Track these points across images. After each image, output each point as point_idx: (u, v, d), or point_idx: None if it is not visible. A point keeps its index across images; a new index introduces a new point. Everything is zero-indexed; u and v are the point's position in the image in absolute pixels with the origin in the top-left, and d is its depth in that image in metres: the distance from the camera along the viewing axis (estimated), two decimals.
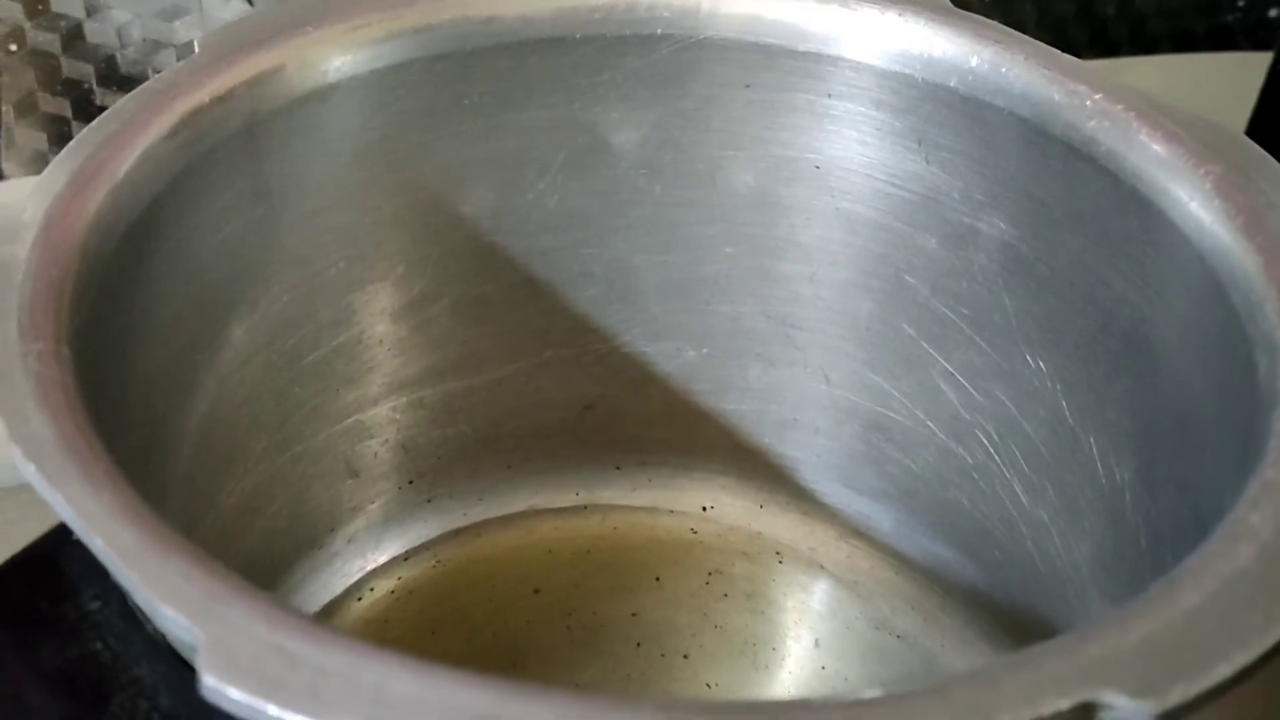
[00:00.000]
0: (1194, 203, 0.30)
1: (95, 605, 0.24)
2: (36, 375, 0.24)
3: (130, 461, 0.27)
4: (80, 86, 0.40)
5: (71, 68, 0.39)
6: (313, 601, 0.38)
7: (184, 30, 0.41)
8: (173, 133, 0.30)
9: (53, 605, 0.24)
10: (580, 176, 0.37)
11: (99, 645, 0.24)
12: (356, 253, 0.36)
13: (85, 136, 0.29)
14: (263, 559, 0.37)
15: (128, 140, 0.29)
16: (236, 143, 0.32)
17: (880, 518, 0.40)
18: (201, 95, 0.31)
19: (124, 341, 0.28)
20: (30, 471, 0.23)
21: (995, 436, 0.37)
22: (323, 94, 0.33)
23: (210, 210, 0.32)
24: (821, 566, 0.41)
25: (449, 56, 0.34)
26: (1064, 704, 0.20)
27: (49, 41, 0.40)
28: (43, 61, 0.39)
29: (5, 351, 0.25)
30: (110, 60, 0.39)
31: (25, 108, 0.41)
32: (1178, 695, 0.20)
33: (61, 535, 0.25)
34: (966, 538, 0.39)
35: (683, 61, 0.35)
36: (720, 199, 0.37)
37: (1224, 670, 0.20)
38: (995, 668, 0.21)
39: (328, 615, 0.38)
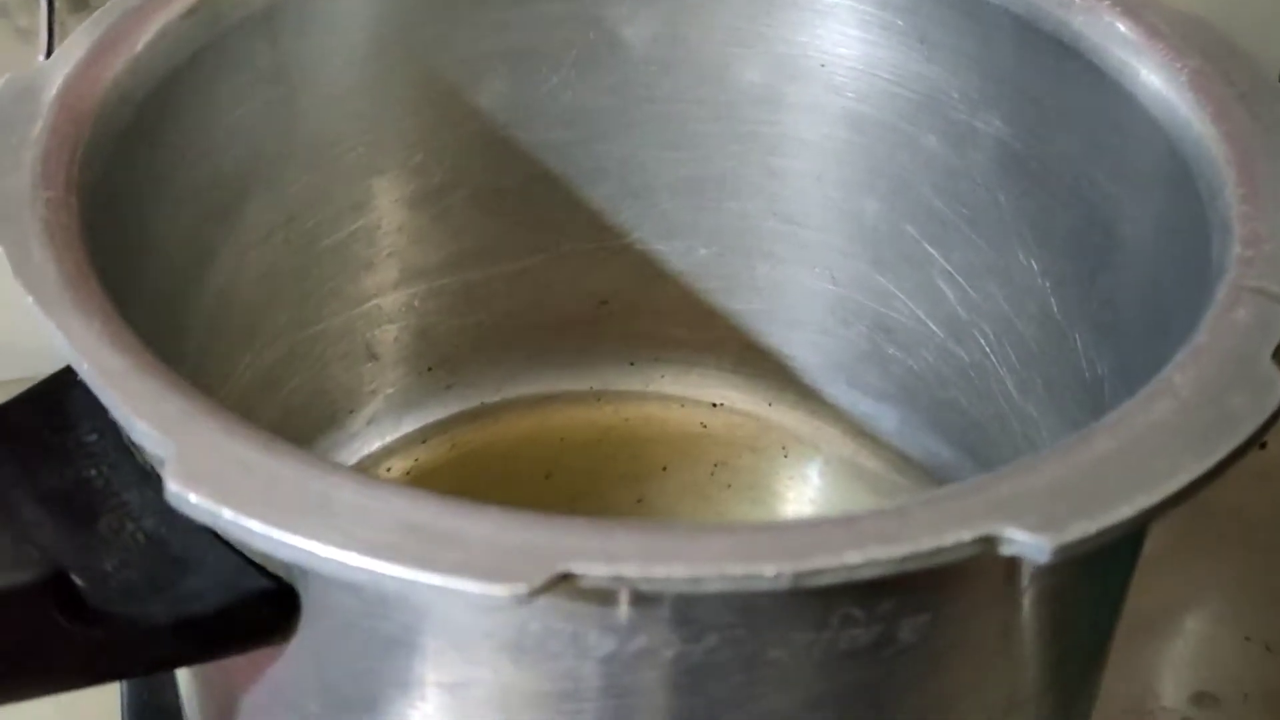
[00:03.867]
0: (1169, 94, 0.30)
1: (93, 437, 0.26)
2: (44, 219, 0.26)
3: (140, 320, 0.29)
4: None
5: None
6: None
7: None
8: (191, 10, 0.32)
9: (54, 435, 0.26)
10: (592, 72, 0.38)
11: (93, 472, 0.26)
12: (375, 139, 0.37)
13: (108, 8, 0.31)
14: (282, 433, 0.39)
15: (147, 15, 0.31)
16: (254, 25, 0.33)
17: (884, 417, 0.41)
18: None
19: (137, 203, 0.30)
20: (29, 302, 0.24)
21: (990, 335, 0.38)
22: None
23: (228, 88, 0.33)
24: (825, 462, 0.42)
25: None
26: (966, 535, 0.21)
27: None
28: None
29: (17, 197, 0.26)
30: None
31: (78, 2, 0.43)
32: (1076, 531, 0.21)
33: (68, 375, 0.27)
34: (964, 435, 0.40)
35: None
36: (728, 96, 0.38)
37: (1124, 511, 0.21)
38: (909, 503, 0.22)
39: None
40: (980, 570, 0.23)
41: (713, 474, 0.42)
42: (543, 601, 0.21)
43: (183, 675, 0.31)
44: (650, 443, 0.43)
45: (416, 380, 0.42)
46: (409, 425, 0.42)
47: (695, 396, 0.43)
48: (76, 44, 0.30)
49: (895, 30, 0.36)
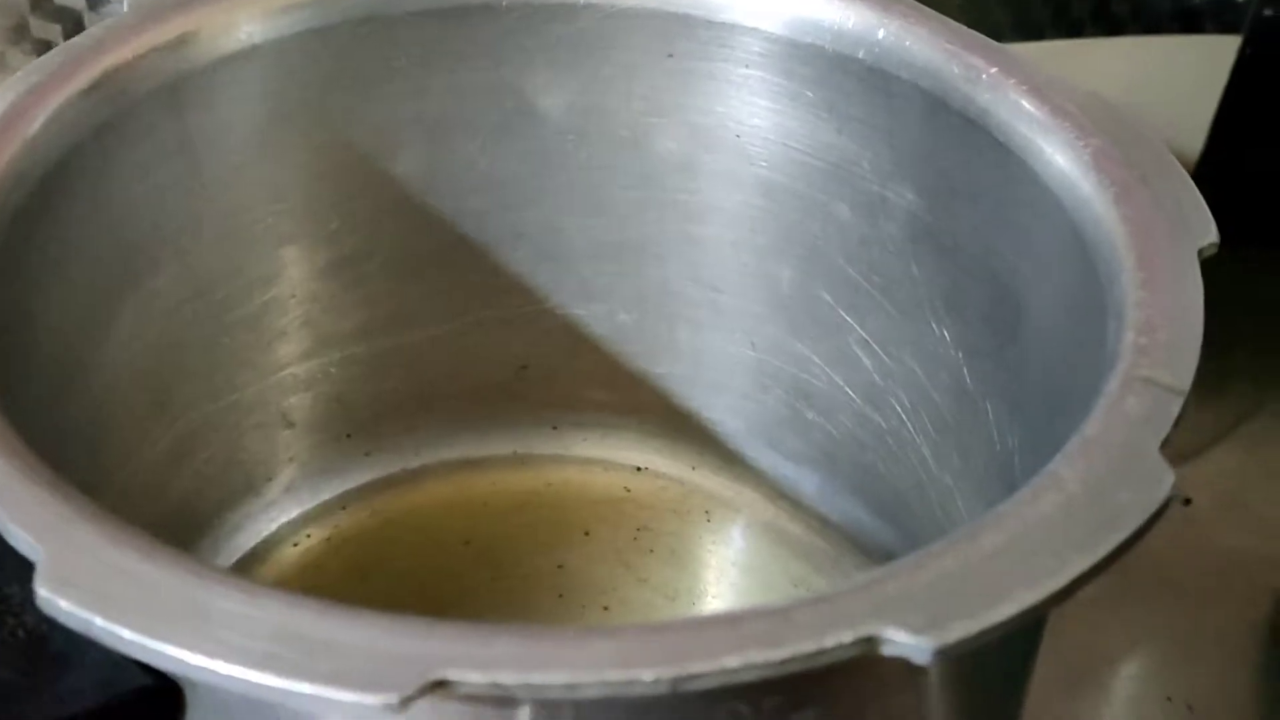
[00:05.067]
0: (1072, 173, 0.30)
1: None
2: None
3: (40, 398, 0.29)
4: None
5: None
6: (247, 547, 0.40)
7: None
8: (94, 86, 0.32)
9: None
10: (509, 140, 0.38)
11: None
12: (286, 207, 0.37)
13: (9, 85, 0.31)
14: (198, 502, 0.39)
15: (48, 92, 0.31)
16: (158, 99, 0.33)
17: (805, 480, 0.41)
18: (125, 52, 0.32)
19: (34, 279, 0.30)
20: None
21: (907, 402, 0.38)
22: (247, 54, 0.34)
23: (132, 161, 0.33)
24: (748, 526, 0.42)
25: (375, 20, 0.36)
26: (847, 636, 0.21)
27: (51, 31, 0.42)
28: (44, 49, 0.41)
29: None
30: None
31: None
32: (958, 631, 0.21)
33: None
34: (883, 501, 0.40)
35: (605, 30, 0.37)
36: (645, 164, 0.39)
37: (1007, 609, 0.21)
38: (792, 602, 0.22)
39: (261, 560, 0.40)
40: (868, 665, 0.23)
41: (635, 538, 0.42)
42: (425, 707, 0.21)
43: None
44: (573, 507, 0.42)
45: (334, 447, 0.41)
46: (328, 492, 0.41)
47: (619, 460, 0.43)
48: None
49: (805, 101, 0.36)
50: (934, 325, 0.36)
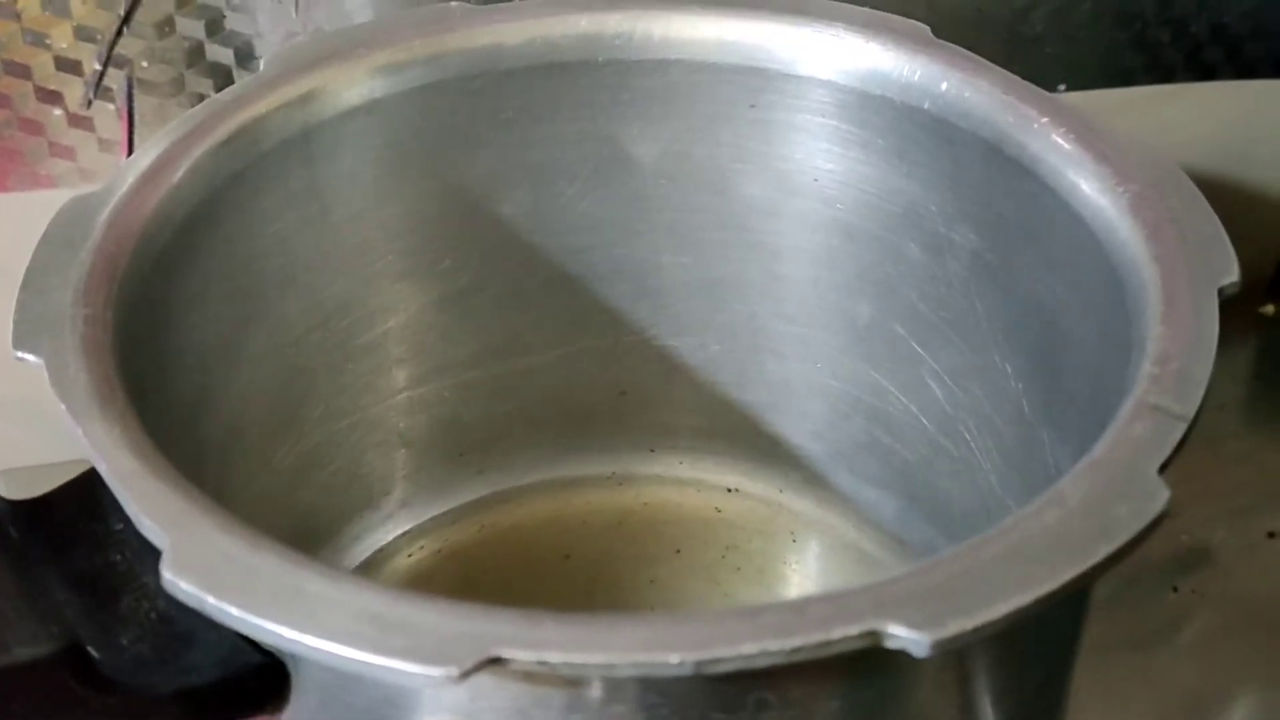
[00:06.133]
0: (1111, 215, 0.33)
1: (119, 526, 0.29)
2: (81, 334, 0.30)
3: (181, 417, 0.33)
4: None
5: (214, 52, 0.46)
6: (364, 556, 0.44)
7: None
8: (230, 139, 0.36)
9: (87, 524, 0.30)
10: (606, 184, 0.42)
11: (118, 557, 0.29)
12: (405, 246, 0.41)
13: (159, 138, 0.35)
14: (321, 514, 0.42)
15: (190, 144, 0.35)
16: (291, 148, 0.37)
17: (884, 504, 0.44)
18: (260, 106, 0.36)
19: (174, 312, 0.34)
20: (61, 409, 0.28)
21: (974, 430, 0.40)
22: (368, 108, 0.38)
23: (264, 206, 0.37)
24: (830, 547, 0.45)
25: (484, 76, 0.39)
26: (852, 630, 0.24)
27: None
28: (190, 46, 0.45)
29: (60, 313, 0.30)
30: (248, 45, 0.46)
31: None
32: (954, 628, 0.24)
33: None
34: (957, 526, 0.42)
35: (693, 83, 0.40)
36: (731, 207, 0.42)
37: (1000, 609, 0.24)
38: (807, 599, 0.24)
39: (376, 569, 0.44)
40: (882, 658, 0.25)
41: (724, 557, 0.45)
42: (487, 680, 0.24)
43: None
44: (666, 526, 0.45)
45: (447, 466, 0.45)
46: (440, 507, 0.45)
47: (711, 481, 0.46)
48: (130, 169, 0.34)
49: (876, 149, 0.39)
50: (996, 357, 0.38)
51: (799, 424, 0.45)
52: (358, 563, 0.43)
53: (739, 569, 0.44)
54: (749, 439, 0.46)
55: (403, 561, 0.44)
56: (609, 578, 0.44)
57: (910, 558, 0.43)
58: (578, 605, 0.43)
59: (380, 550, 0.44)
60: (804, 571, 0.44)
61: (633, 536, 0.45)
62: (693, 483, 0.46)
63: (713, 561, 0.45)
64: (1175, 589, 0.46)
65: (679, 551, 0.45)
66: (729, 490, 0.46)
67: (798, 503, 0.46)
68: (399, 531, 0.44)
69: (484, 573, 0.44)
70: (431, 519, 0.45)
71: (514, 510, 0.46)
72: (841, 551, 0.44)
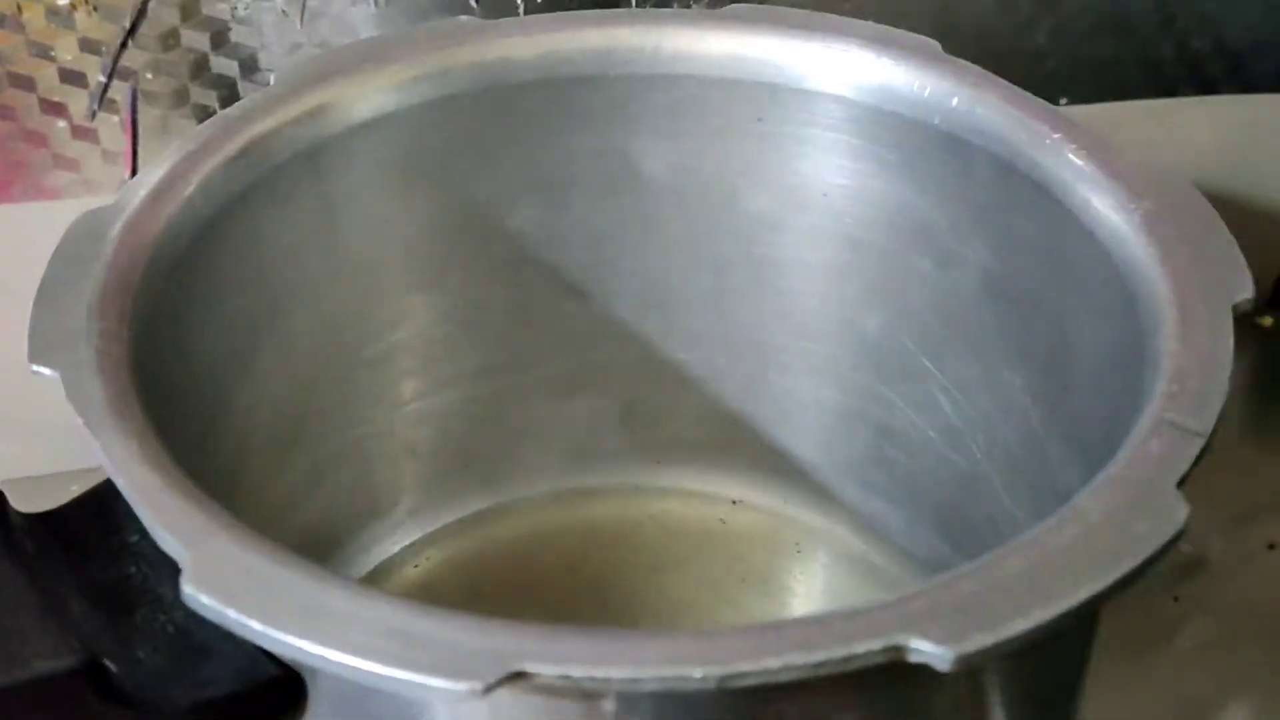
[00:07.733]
0: (1124, 232, 0.33)
1: (135, 538, 0.30)
2: (96, 349, 0.30)
3: (193, 426, 0.33)
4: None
5: (218, 64, 0.46)
6: (372, 565, 0.44)
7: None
8: (241, 154, 0.36)
9: (103, 536, 0.30)
10: (616, 198, 0.42)
11: (133, 569, 0.29)
12: (414, 260, 0.41)
13: (170, 153, 0.35)
14: (330, 523, 0.42)
15: (201, 159, 0.35)
16: (300, 163, 0.37)
17: (891, 516, 0.44)
18: (269, 122, 0.36)
19: (187, 325, 0.34)
20: (79, 423, 0.28)
21: (983, 443, 0.40)
22: (378, 123, 0.38)
23: (275, 219, 0.37)
24: (835, 559, 0.45)
25: (494, 90, 0.39)
26: (876, 645, 0.24)
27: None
28: (194, 58, 0.45)
29: (75, 328, 0.30)
30: (253, 58, 0.46)
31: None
32: (976, 643, 0.24)
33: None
34: (963, 538, 0.42)
35: (702, 98, 0.40)
36: (739, 222, 0.42)
37: (1021, 624, 0.24)
38: (833, 613, 0.25)
39: (384, 578, 0.44)
40: (903, 672, 0.25)
41: (730, 569, 0.45)
42: (506, 694, 0.24)
43: None
44: (672, 537, 0.45)
45: (454, 477, 0.45)
46: (447, 517, 0.45)
47: (717, 493, 0.46)
48: (140, 184, 0.34)
49: (886, 163, 0.39)
50: (1005, 371, 0.38)
51: (806, 437, 0.45)
52: (365, 573, 0.43)
53: (744, 580, 0.44)
54: (756, 451, 0.46)
55: (410, 572, 0.44)
56: (615, 589, 0.44)
57: (916, 570, 0.43)
58: (584, 616, 0.43)
59: (388, 560, 0.44)
60: (809, 583, 0.45)
61: (639, 548, 0.45)
62: (699, 495, 0.46)
63: (719, 573, 0.45)
64: (1176, 599, 0.46)
65: (685, 563, 0.45)
66: (735, 502, 0.46)
67: (804, 515, 0.46)
68: (406, 542, 0.44)
69: (491, 583, 0.44)
70: (439, 529, 0.45)
71: (521, 521, 0.46)
72: (847, 563, 0.45)
